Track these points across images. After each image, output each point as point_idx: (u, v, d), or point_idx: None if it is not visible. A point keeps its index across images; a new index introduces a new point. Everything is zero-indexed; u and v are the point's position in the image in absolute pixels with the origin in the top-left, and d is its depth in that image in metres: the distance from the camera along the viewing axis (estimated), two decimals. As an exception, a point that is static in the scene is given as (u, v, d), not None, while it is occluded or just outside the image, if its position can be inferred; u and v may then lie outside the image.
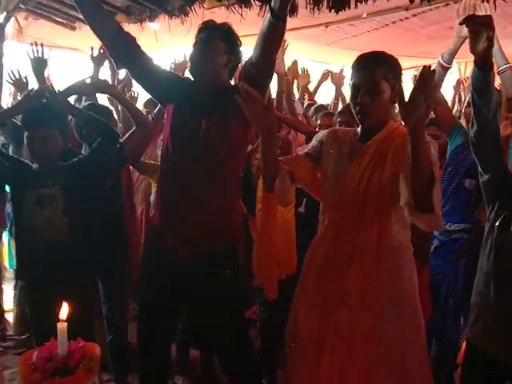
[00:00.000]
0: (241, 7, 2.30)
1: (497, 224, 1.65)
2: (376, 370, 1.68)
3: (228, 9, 2.54)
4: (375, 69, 1.67)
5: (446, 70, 2.60)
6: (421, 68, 1.47)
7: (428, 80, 1.45)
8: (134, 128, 2.60)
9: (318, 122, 3.50)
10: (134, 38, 2.02)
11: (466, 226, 2.52)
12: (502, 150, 1.73)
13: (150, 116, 2.95)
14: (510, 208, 1.63)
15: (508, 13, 3.69)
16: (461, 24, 1.54)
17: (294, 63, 3.81)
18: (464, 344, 1.82)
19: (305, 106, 4.68)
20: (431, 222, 1.61)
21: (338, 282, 1.72)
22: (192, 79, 2.07)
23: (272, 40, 1.77)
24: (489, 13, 2.44)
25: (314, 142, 1.93)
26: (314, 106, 4.27)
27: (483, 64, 1.54)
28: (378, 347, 1.68)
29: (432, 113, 2.80)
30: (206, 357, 2.88)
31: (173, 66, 3.55)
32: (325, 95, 5.46)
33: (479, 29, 1.50)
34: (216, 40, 1.98)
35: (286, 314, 1.87)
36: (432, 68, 1.47)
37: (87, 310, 2.37)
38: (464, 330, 2.34)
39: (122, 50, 1.99)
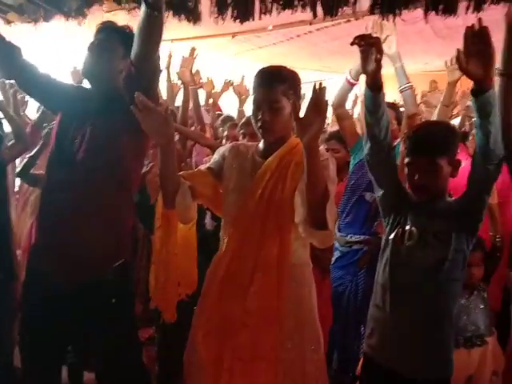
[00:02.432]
0: (143, 12, 2.19)
1: (391, 238, 1.69)
2: (276, 389, 1.65)
3: (129, 13, 2.41)
4: (275, 85, 1.65)
5: (352, 85, 2.66)
6: (313, 84, 1.46)
7: (321, 97, 1.45)
8: (13, 141, 2.59)
9: (225, 133, 3.46)
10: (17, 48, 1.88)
11: (365, 237, 2.60)
12: (395, 166, 1.77)
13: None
14: (404, 222, 1.68)
15: (404, 32, 3.91)
16: (352, 44, 1.57)
17: (197, 73, 3.75)
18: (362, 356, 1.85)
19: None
20: (324, 239, 1.61)
21: (239, 301, 1.68)
22: (88, 86, 1.94)
23: (149, 33, 1.67)
24: (393, 31, 2.53)
25: (215, 156, 1.88)
26: (221, 117, 4.23)
27: (373, 84, 1.57)
28: (278, 366, 1.65)
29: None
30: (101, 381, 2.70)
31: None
32: (233, 106, 5.46)
33: (368, 49, 1.53)
34: (114, 42, 1.85)
35: (184, 336, 1.79)
36: (323, 85, 1.47)
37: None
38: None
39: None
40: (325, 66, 6.76)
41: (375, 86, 1.58)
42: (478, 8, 1.51)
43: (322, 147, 3.16)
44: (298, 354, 1.69)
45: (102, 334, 1.82)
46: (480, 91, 1.41)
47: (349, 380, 2.56)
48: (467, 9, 1.52)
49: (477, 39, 1.39)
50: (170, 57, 3.91)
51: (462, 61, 1.41)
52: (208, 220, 2.41)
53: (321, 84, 1.47)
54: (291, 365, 1.67)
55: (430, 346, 1.63)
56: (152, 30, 1.67)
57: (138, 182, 2.09)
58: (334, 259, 2.68)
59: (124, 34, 1.87)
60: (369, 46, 1.54)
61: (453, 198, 1.73)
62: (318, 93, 1.45)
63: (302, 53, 5.64)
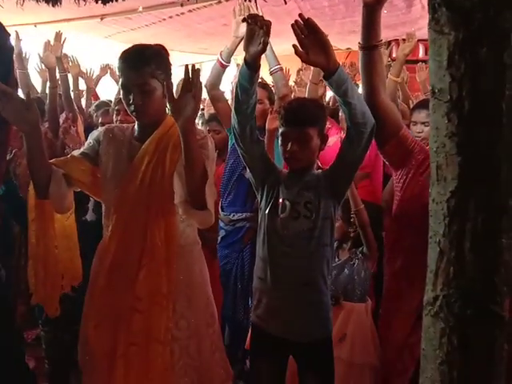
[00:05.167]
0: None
1: (266, 212, 1.77)
2: (172, 368, 1.67)
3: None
4: (142, 68, 1.61)
5: (224, 67, 2.70)
6: (185, 66, 1.46)
7: (194, 78, 1.47)
8: None
9: (100, 120, 3.34)
10: None
11: (247, 214, 2.68)
12: (261, 141, 1.84)
13: None
14: (277, 196, 1.77)
15: (274, 12, 4.01)
16: (243, 21, 1.60)
17: (64, 56, 3.57)
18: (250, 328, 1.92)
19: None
20: (205, 219, 1.64)
21: (128, 288, 1.66)
22: None
23: None
24: (260, 13, 2.60)
25: (89, 140, 1.82)
26: (95, 103, 4.07)
27: (253, 64, 1.61)
28: (174, 345, 1.68)
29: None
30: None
31: None
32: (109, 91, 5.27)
33: (256, 30, 1.55)
34: None
35: (75, 329, 1.73)
36: (197, 66, 1.49)
37: None
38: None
39: None
40: (201, 47, 6.74)
41: (254, 65, 1.61)
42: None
43: (201, 127, 3.19)
44: (193, 330, 1.72)
45: None
46: (329, 74, 1.51)
47: (241, 354, 2.66)
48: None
49: (306, 31, 1.48)
50: (17, 39, 3.65)
51: (302, 54, 1.51)
52: (89, 212, 2.32)
53: (193, 66, 1.48)
54: (187, 342, 1.71)
55: (310, 308, 1.75)
56: None
57: (1, 173, 1.95)
58: (219, 238, 2.74)
59: None
60: (258, 27, 1.55)
61: (320, 170, 1.84)
62: (192, 74, 1.46)
63: (176, 34, 5.56)
